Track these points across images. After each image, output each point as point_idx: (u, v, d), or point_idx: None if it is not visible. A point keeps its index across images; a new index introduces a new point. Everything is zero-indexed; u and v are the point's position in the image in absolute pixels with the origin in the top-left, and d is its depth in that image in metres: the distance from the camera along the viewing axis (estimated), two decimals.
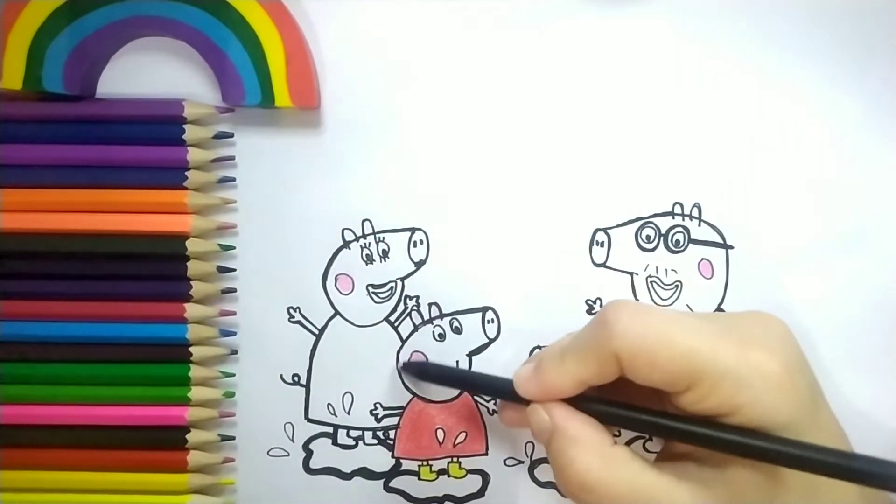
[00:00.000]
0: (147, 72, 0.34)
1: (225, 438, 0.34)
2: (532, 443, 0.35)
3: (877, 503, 0.26)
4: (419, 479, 0.35)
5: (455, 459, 0.34)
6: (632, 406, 0.27)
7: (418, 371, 0.34)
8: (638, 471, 0.25)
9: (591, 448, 0.26)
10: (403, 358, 0.34)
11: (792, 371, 0.25)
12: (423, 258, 0.34)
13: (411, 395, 0.34)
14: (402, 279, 0.34)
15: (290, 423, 0.34)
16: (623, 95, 0.34)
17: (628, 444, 0.34)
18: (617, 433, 0.33)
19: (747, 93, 0.34)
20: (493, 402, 0.34)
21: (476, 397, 0.34)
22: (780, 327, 0.26)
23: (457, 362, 0.34)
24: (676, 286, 0.34)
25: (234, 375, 0.34)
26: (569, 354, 0.27)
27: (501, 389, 0.30)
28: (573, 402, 0.27)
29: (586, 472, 0.25)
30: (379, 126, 0.34)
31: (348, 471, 0.35)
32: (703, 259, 0.34)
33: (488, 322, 0.34)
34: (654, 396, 0.27)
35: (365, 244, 0.34)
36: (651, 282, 0.34)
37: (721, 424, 0.25)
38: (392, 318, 0.34)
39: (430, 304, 0.34)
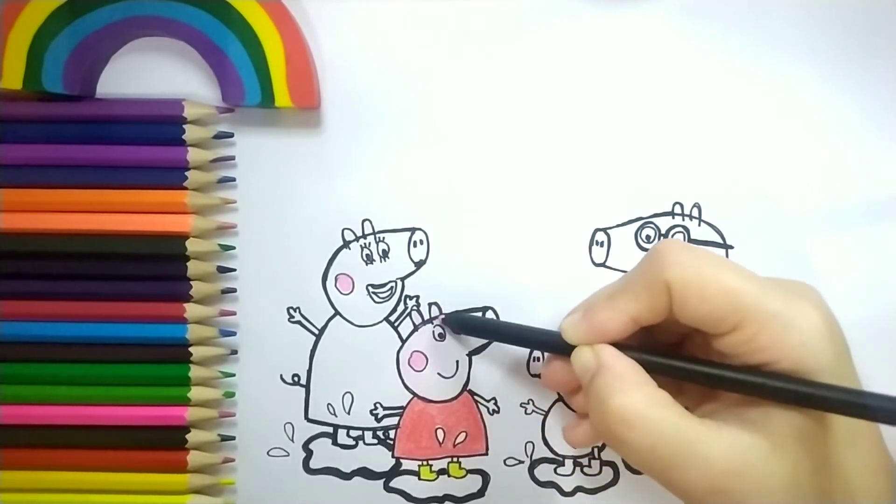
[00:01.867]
0: (147, 72, 0.34)
1: (225, 438, 0.34)
2: (532, 442, 0.35)
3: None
4: (419, 478, 0.35)
5: (455, 459, 0.34)
6: (679, 355, 0.27)
7: (460, 323, 0.33)
8: (680, 414, 0.25)
9: (637, 385, 0.26)
10: (405, 359, 0.34)
11: (831, 325, 0.25)
12: (423, 258, 0.34)
13: (411, 395, 0.34)
14: (402, 279, 0.34)
15: (290, 423, 0.34)
16: (623, 96, 0.34)
17: None
18: None
19: (748, 93, 0.34)
20: (492, 401, 0.34)
21: (476, 397, 0.34)
22: (817, 292, 0.27)
23: (457, 362, 0.34)
24: None
25: (234, 375, 0.34)
26: (619, 291, 0.27)
27: (548, 340, 0.30)
28: (620, 350, 0.27)
29: (629, 407, 0.25)
30: (379, 126, 0.34)
31: (348, 471, 0.35)
32: None
33: None
34: (698, 348, 0.27)
35: (365, 244, 0.34)
36: None
37: (769, 372, 0.25)
38: (392, 318, 0.34)
39: (430, 304, 0.34)
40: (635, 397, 0.25)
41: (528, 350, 0.34)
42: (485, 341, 0.34)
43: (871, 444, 0.26)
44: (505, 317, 0.34)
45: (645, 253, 0.27)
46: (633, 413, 0.25)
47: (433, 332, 0.34)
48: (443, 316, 0.34)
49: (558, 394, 0.34)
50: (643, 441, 0.25)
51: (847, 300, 0.32)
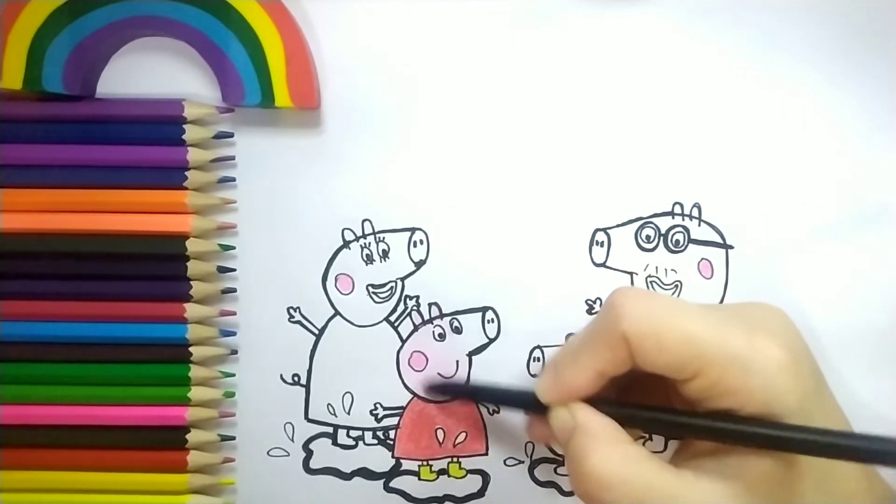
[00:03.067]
0: (147, 72, 0.34)
1: (225, 438, 0.34)
2: (532, 443, 0.34)
3: (882, 492, 0.27)
4: (419, 479, 0.34)
5: (455, 459, 0.34)
6: (649, 406, 0.27)
7: (441, 389, 0.34)
8: (657, 468, 0.25)
9: (611, 444, 0.26)
10: (405, 359, 0.34)
11: (796, 357, 0.25)
12: (423, 258, 0.34)
13: (411, 395, 0.34)
14: (402, 279, 0.34)
15: (290, 423, 0.34)
16: (623, 95, 0.34)
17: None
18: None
19: (748, 92, 0.34)
20: None
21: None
22: (781, 316, 0.27)
23: (457, 362, 0.34)
24: (676, 286, 0.34)
25: (234, 375, 0.34)
26: (581, 348, 0.27)
27: (525, 400, 0.30)
28: (594, 405, 0.27)
29: (604, 467, 0.25)
30: (379, 126, 0.34)
31: (348, 471, 0.35)
32: (702, 259, 0.34)
33: (488, 322, 0.34)
34: (666, 399, 0.27)
35: (365, 244, 0.34)
36: (651, 282, 0.34)
37: (734, 416, 0.25)
38: (392, 318, 0.34)
39: (430, 304, 0.34)
40: (611, 457, 0.25)
41: (527, 350, 0.34)
42: (485, 342, 0.34)
43: (848, 475, 0.25)
44: (505, 317, 0.34)
45: (603, 305, 0.27)
46: (609, 473, 0.25)
47: (433, 332, 0.34)
48: (426, 388, 0.34)
49: None
50: (621, 501, 0.25)
51: (847, 301, 0.34)
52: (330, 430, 0.34)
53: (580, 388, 0.27)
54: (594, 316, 0.28)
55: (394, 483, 0.35)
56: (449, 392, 0.34)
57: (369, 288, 0.34)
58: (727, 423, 0.25)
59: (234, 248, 0.34)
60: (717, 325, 0.25)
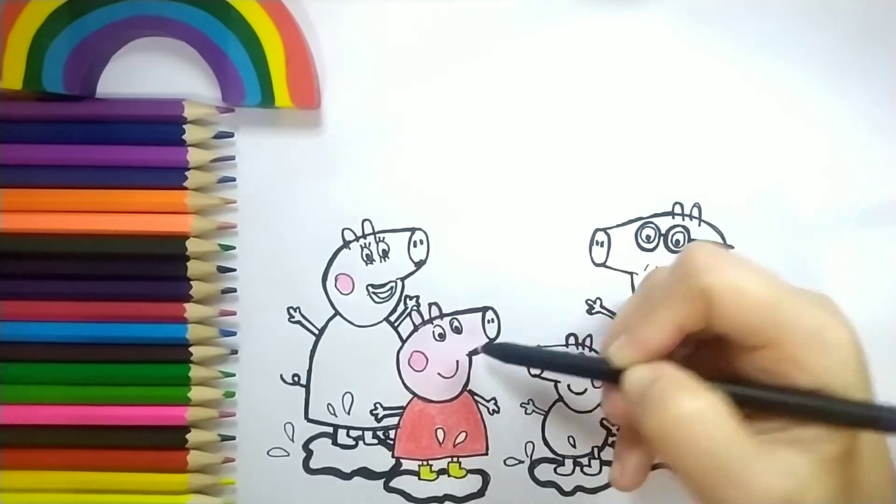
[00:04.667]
0: (147, 72, 0.34)
1: (225, 438, 0.34)
2: (532, 442, 0.35)
3: None
4: (419, 478, 0.35)
5: (455, 459, 0.34)
6: (734, 378, 0.26)
7: (502, 353, 0.32)
8: (738, 427, 0.24)
9: (699, 393, 0.24)
10: (405, 359, 0.34)
11: (857, 343, 0.25)
12: (423, 258, 0.34)
13: (411, 395, 0.34)
14: (402, 279, 0.34)
15: (290, 423, 0.34)
16: (623, 96, 0.34)
17: None
18: None
19: (747, 94, 0.34)
20: (492, 401, 0.34)
21: (476, 397, 0.34)
22: (838, 306, 0.26)
23: (457, 362, 0.34)
24: None
25: (234, 375, 0.34)
26: (656, 304, 0.26)
27: (595, 367, 0.29)
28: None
29: (693, 406, 0.24)
30: (379, 126, 0.34)
31: (348, 471, 0.35)
32: None
33: (488, 322, 0.34)
34: (718, 358, 0.27)
35: (365, 244, 0.34)
36: None
37: (820, 394, 0.24)
38: (392, 318, 0.34)
39: (430, 304, 0.34)
40: (697, 403, 0.24)
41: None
42: (485, 341, 0.34)
43: (888, 461, 0.26)
44: (505, 317, 0.34)
45: (675, 261, 0.26)
46: (698, 414, 0.24)
47: (433, 332, 0.34)
48: (481, 347, 0.33)
49: (558, 394, 0.34)
50: (701, 445, 0.23)
51: (847, 301, 0.32)
52: (330, 429, 0.34)
53: (660, 345, 0.26)
54: (668, 273, 0.26)
55: (394, 483, 0.35)
56: (510, 357, 0.32)
57: (369, 288, 0.34)
58: (818, 400, 0.24)
59: (234, 248, 0.34)
60: (794, 296, 0.24)
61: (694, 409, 0.24)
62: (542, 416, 0.34)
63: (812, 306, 0.24)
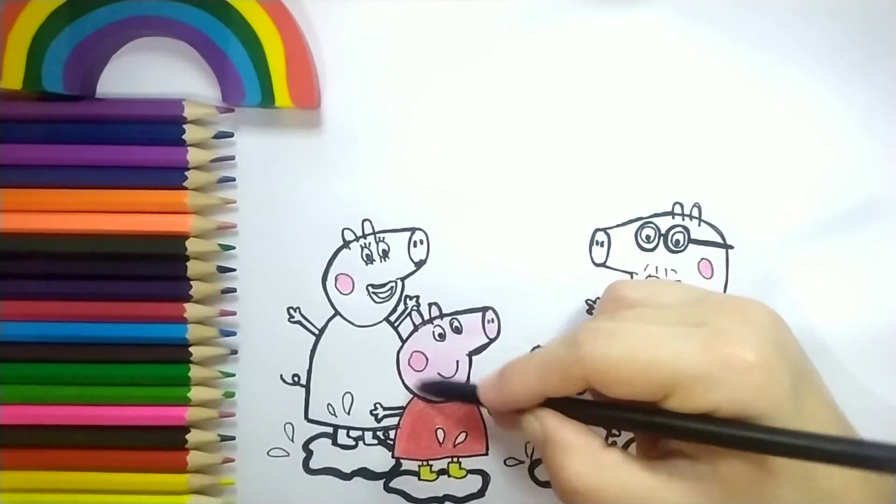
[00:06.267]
0: (147, 72, 0.34)
1: (225, 438, 0.34)
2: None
3: (878, 486, 0.26)
4: (419, 479, 0.34)
5: (455, 459, 0.34)
6: (619, 406, 0.26)
7: (423, 388, 0.34)
8: (629, 473, 0.26)
9: (582, 454, 0.26)
10: (405, 359, 0.34)
11: (768, 361, 0.24)
12: (424, 258, 0.34)
13: (411, 395, 0.34)
14: (403, 279, 0.34)
15: (289, 423, 0.34)
16: (623, 96, 0.34)
17: (624, 446, 0.34)
18: (617, 433, 0.33)
19: (748, 93, 0.34)
20: None
21: None
22: (761, 315, 0.26)
23: (457, 362, 0.34)
24: None
25: (234, 375, 0.34)
26: (532, 369, 0.28)
27: (472, 395, 0.30)
28: (563, 408, 0.28)
29: (577, 478, 0.26)
30: (379, 126, 0.34)
31: (348, 471, 0.35)
32: (702, 259, 0.34)
33: (488, 322, 0.34)
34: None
35: (365, 244, 0.34)
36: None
37: (700, 416, 0.25)
38: (392, 318, 0.34)
39: (430, 304, 0.34)
40: (582, 468, 0.26)
41: (528, 350, 0.34)
42: (485, 342, 0.34)
43: (829, 474, 0.25)
44: (505, 317, 0.34)
45: (565, 336, 0.27)
46: (583, 484, 0.26)
47: (433, 332, 0.34)
48: (419, 385, 0.34)
49: None
50: (608, 495, 0.25)
51: (847, 300, 0.34)
52: (330, 430, 0.34)
53: (518, 403, 0.28)
54: (557, 340, 0.28)
55: (394, 483, 0.35)
56: (428, 390, 0.34)
57: (369, 288, 0.34)
58: (698, 423, 0.25)
59: (234, 248, 0.34)
60: (675, 346, 0.25)
61: (580, 479, 0.26)
62: None
63: (697, 347, 0.25)
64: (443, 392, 0.34)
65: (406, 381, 0.34)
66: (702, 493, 0.25)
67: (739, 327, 0.25)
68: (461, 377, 0.34)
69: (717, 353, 0.24)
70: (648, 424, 0.26)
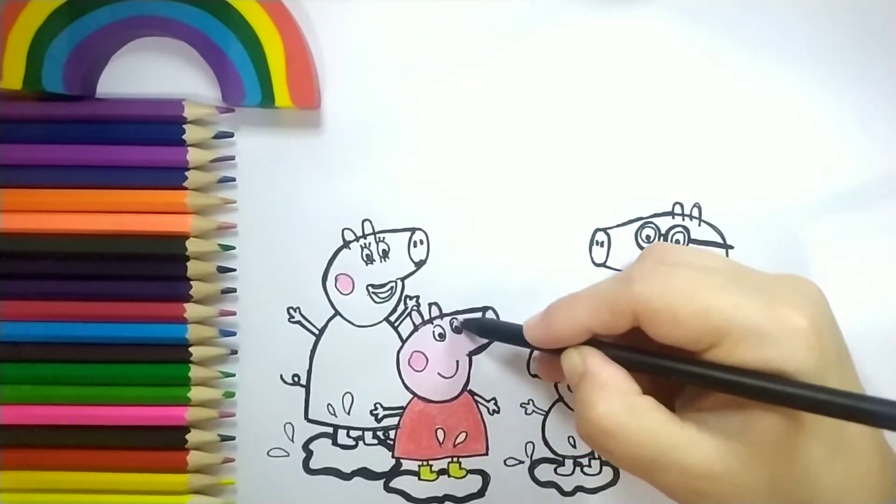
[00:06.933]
0: (147, 72, 0.34)
1: (225, 438, 0.34)
2: (532, 442, 0.35)
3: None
4: (419, 479, 0.35)
5: (455, 459, 0.34)
6: (658, 354, 0.26)
7: (465, 323, 0.34)
8: (660, 420, 0.25)
9: (618, 394, 0.26)
10: (405, 359, 0.34)
11: (820, 330, 0.24)
12: (424, 258, 0.34)
13: (411, 395, 0.34)
14: (403, 279, 0.34)
15: (289, 423, 0.34)
16: (623, 96, 0.34)
17: None
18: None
19: (748, 94, 0.34)
20: (492, 401, 0.35)
21: (476, 397, 0.34)
22: (811, 287, 0.26)
23: (457, 362, 0.34)
24: None
25: (234, 375, 0.34)
26: (581, 302, 0.27)
27: (516, 335, 0.30)
28: (607, 350, 0.27)
29: (608, 416, 0.25)
30: (379, 126, 0.34)
31: (348, 471, 0.35)
32: None
33: None
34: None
35: (365, 244, 0.34)
36: None
37: (741, 369, 0.24)
38: (392, 318, 0.34)
39: (430, 304, 0.34)
40: (614, 407, 0.26)
41: (528, 350, 0.34)
42: (485, 342, 0.34)
43: (862, 449, 0.25)
44: (505, 317, 0.34)
45: (623, 267, 0.27)
46: (614, 423, 0.25)
47: (433, 332, 0.34)
48: (458, 320, 0.34)
49: (558, 394, 0.34)
50: (622, 450, 0.25)
51: (847, 300, 0.32)
52: (330, 430, 0.34)
53: (566, 339, 0.28)
54: (609, 278, 0.27)
55: (394, 483, 0.35)
56: (467, 326, 0.34)
57: (369, 288, 0.34)
58: (734, 374, 0.24)
59: (234, 248, 0.34)
60: (734, 295, 0.25)
61: (612, 417, 0.25)
62: (543, 416, 0.34)
63: (756, 303, 0.25)
64: (486, 330, 0.33)
65: (406, 382, 0.34)
66: (729, 452, 0.25)
67: (794, 294, 0.25)
68: (461, 377, 0.34)
69: (773, 310, 0.24)
70: (697, 375, 0.25)
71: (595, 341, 0.28)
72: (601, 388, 0.26)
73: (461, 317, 0.34)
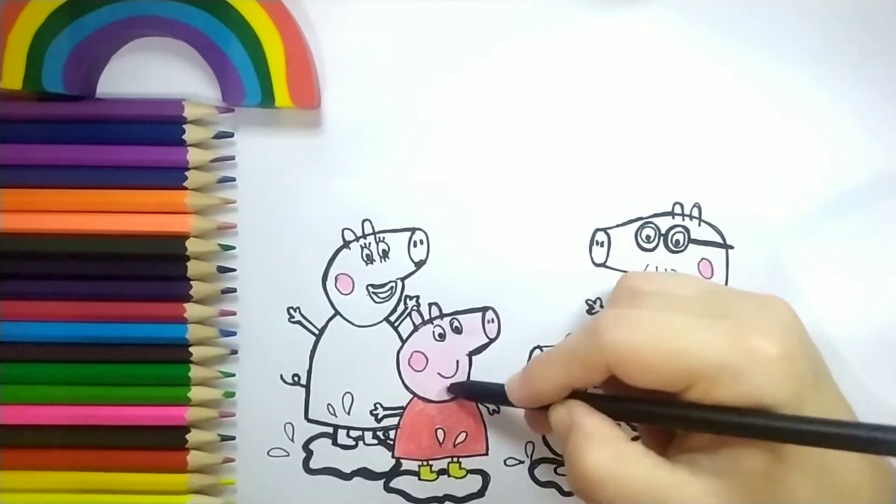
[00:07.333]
0: (147, 72, 0.34)
1: (225, 438, 0.34)
2: (532, 442, 0.35)
3: (888, 485, 0.26)
4: (419, 479, 0.34)
5: (455, 459, 0.34)
6: (641, 399, 0.26)
7: (452, 389, 0.34)
8: (650, 466, 0.25)
9: (605, 444, 0.26)
10: (405, 359, 0.34)
11: (792, 354, 0.24)
12: (424, 258, 0.34)
13: (411, 395, 0.34)
14: (403, 279, 0.34)
15: (290, 423, 0.34)
16: (623, 96, 0.34)
17: None
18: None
19: (748, 94, 0.34)
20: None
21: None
22: (781, 308, 0.26)
23: (457, 362, 0.34)
24: None
25: (234, 375, 0.34)
26: (556, 362, 0.28)
27: (501, 395, 0.30)
28: (591, 401, 0.27)
29: (598, 468, 0.25)
30: (380, 126, 0.34)
31: (348, 471, 0.35)
32: (703, 259, 0.34)
33: (488, 322, 0.34)
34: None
35: (365, 244, 0.34)
36: None
37: (719, 407, 0.24)
38: (392, 318, 0.34)
39: (430, 304, 0.34)
40: (603, 457, 0.25)
41: (527, 350, 0.34)
42: (485, 342, 0.34)
43: (849, 469, 0.25)
44: (505, 317, 0.34)
45: (587, 323, 0.27)
46: (604, 473, 0.25)
47: (433, 332, 0.34)
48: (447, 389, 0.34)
49: None
50: (615, 500, 0.25)
51: (849, 300, 0.34)
52: (330, 430, 0.34)
53: (547, 397, 0.28)
54: (579, 329, 0.28)
55: (394, 483, 0.35)
56: (457, 391, 0.34)
57: (369, 288, 0.34)
58: (709, 413, 0.24)
59: (234, 248, 0.34)
60: (701, 333, 0.25)
61: (602, 466, 0.25)
62: None
63: (724, 338, 0.24)
64: (473, 393, 0.34)
65: (406, 382, 0.34)
66: (723, 489, 0.24)
67: (762, 319, 0.25)
68: (461, 377, 0.34)
69: (742, 343, 0.24)
70: (676, 417, 0.26)
71: (580, 393, 0.28)
72: (589, 439, 0.26)
73: (449, 383, 0.34)
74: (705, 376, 0.24)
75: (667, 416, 0.26)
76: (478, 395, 0.34)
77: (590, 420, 0.27)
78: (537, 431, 0.33)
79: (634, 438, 0.27)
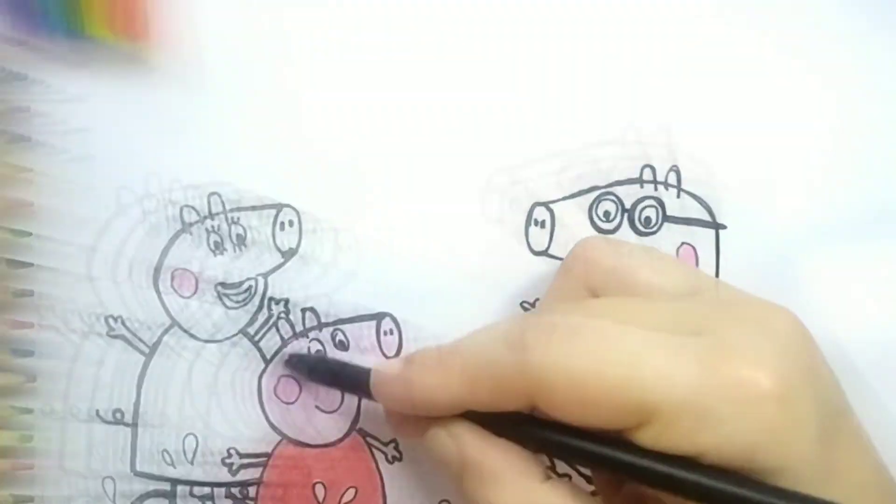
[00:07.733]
0: None
1: (20, 501, 0.28)
2: (447, 501, 0.29)
3: None
4: None
5: None
6: (576, 430, 0.21)
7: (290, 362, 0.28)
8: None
9: (514, 488, 0.22)
10: (270, 386, 0.28)
11: (791, 389, 0.20)
12: (294, 246, 0.29)
13: (279, 437, 0.28)
14: (265, 276, 0.29)
15: (110, 477, 0.29)
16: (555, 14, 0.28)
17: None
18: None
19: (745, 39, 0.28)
20: (392, 445, 0.28)
21: (368, 439, 0.28)
22: (783, 324, 0.22)
23: (341, 392, 0.28)
24: None
25: (31, 412, 0.28)
26: (456, 367, 0.23)
27: (361, 384, 0.25)
28: (489, 421, 0.22)
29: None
30: (238, 71, 0.28)
31: None
32: (683, 243, 0.29)
33: (385, 334, 0.29)
34: None
35: (212, 227, 0.28)
36: None
37: (683, 459, 0.20)
38: (251, 331, 0.29)
39: (303, 311, 0.29)
40: (513, 499, 0.22)
41: None
42: (382, 360, 0.28)
43: None
44: (408, 327, 0.28)
45: (512, 328, 0.22)
46: None
47: (308, 348, 0.28)
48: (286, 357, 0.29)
49: None
50: None
51: (847, 302, 0.29)
52: (167, 486, 0.29)
53: (431, 410, 0.23)
54: (490, 330, 0.23)
55: None
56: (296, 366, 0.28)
57: (219, 288, 0.29)
58: (682, 470, 0.20)
59: (30, 234, 0.28)
60: (662, 358, 0.20)
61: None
62: None
63: (693, 363, 0.20)
64: (318, 372, 0.28)
65: (271, 418, 0.28)
66: None
67: (752, 340, 0.21)
68: (348, 412, 0.28)
69: (717, 375, 0.20)
70: (609, 461, 0.21)
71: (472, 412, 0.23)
72: (490, 483, 0.22)
73: (288, 350, 0.28)
74: (661, 416, 0.20)
75: (598, 457, 0.21)
76: (324, 378, 0.28)
77: (487, 455, 0.22)
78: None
79: (559, 473, 0.24)
